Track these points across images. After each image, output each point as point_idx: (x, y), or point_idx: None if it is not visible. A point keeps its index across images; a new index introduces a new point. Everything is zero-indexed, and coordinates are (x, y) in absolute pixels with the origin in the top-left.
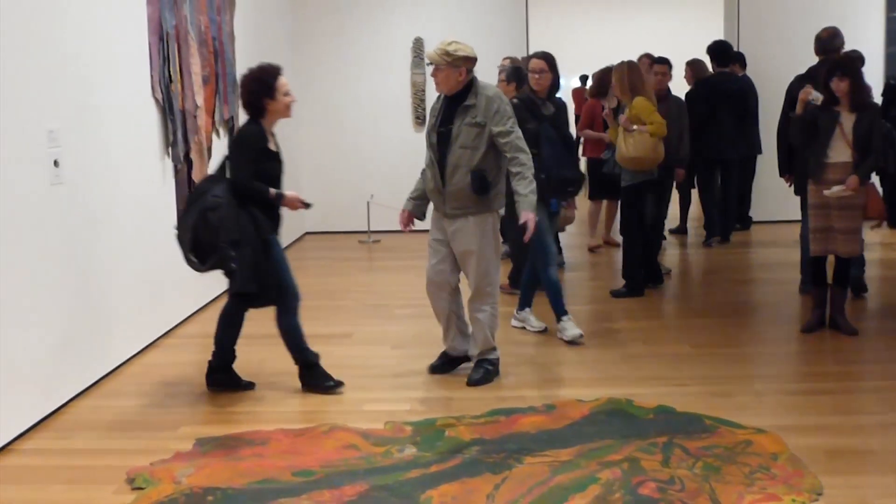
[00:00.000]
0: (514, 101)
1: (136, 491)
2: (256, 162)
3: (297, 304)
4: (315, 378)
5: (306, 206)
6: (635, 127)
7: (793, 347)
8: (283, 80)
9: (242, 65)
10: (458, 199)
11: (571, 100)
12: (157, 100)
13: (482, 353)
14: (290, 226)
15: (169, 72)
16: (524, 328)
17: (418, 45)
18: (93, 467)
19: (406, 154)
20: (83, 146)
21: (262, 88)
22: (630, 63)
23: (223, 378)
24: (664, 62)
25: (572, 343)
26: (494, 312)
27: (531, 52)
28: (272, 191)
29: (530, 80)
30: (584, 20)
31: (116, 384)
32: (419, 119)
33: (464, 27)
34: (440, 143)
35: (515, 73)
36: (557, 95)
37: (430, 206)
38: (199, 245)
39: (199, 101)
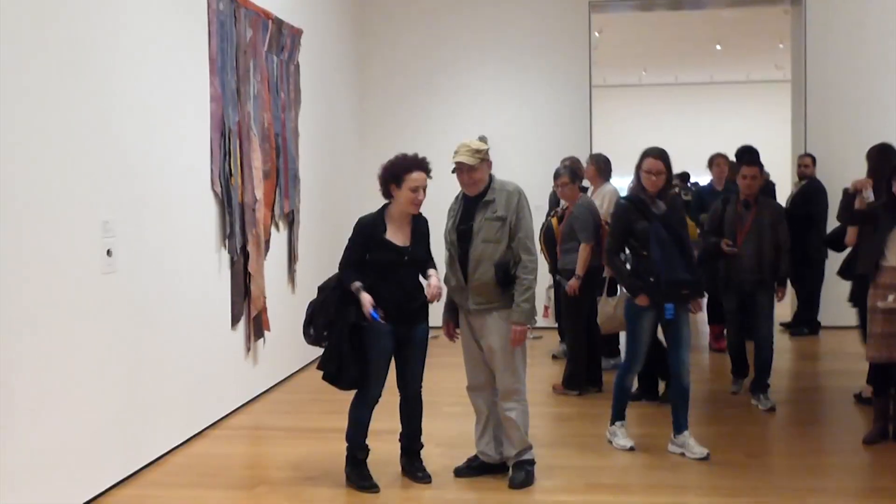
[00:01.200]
0: (622, 201)
1: None
2: (364, 249)
3: (369, 396)
4: (355, 474)
5: (372, 318)
6: None
7: (853, 459)
8: (416, 175)
9: (306, 160)
10: (481, 294)
11: None
12: (216, 193)
13: (519, 454)
14: None
15: (230, 166)
16: (683, 454)
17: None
18: None
19: None
20: (138, 237)
21: (390, 176)
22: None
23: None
24: (754, 163)
25: (617, 447)
26: (525, 409)
27: (646, 149)
28: (355, 284)
29: (644, 179)
30: (645, 120)
31: (158, 474)
32: None
33: (527, 125)
34: (461, 240)
35: (572, 172)
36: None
37: None
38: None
39: (259, 194)
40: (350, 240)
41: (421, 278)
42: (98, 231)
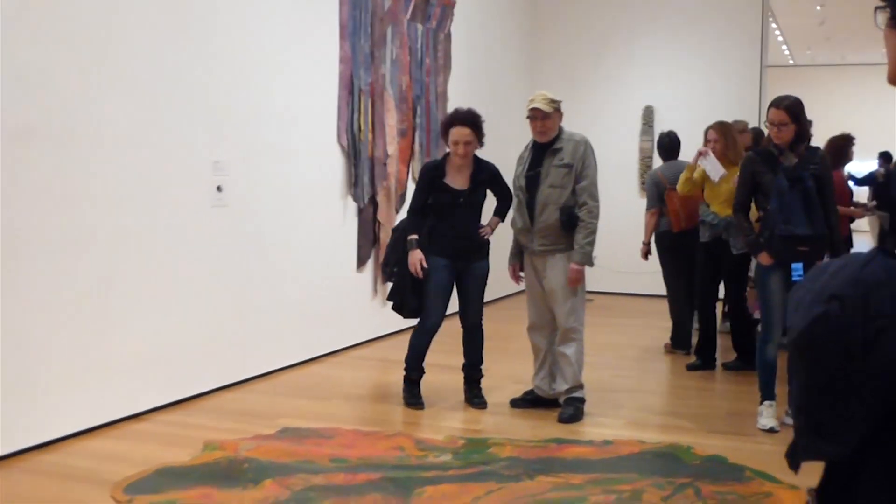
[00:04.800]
0: (749, 153)
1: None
2: (427, 192)
3: (427, 325)
4: (406, 392)
5: (417, 273)
6: None
7: None
8: (456, 130)
9: None
10: (546, 236)
11: None
12: (342, 146)
13: (570, 391)
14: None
15: (359, 122)
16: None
17: (648, 112)
18: (190, 437)
19: (631, 217)
20: (254, 178)
21: (442, 130)
22: (729, 123)
23: (403, 391)
24: None
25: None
26: (580, 348)
27: (773, 100)
28: (411, 237)
29: (769, 131)
30: (827, 93)
31: (265, 385)
32: (643, 184)
33: (694, 94)
34: (529, 185)
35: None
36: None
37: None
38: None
39: (391, 150)
40: (416, 184)
41: None
42: (209, 169)
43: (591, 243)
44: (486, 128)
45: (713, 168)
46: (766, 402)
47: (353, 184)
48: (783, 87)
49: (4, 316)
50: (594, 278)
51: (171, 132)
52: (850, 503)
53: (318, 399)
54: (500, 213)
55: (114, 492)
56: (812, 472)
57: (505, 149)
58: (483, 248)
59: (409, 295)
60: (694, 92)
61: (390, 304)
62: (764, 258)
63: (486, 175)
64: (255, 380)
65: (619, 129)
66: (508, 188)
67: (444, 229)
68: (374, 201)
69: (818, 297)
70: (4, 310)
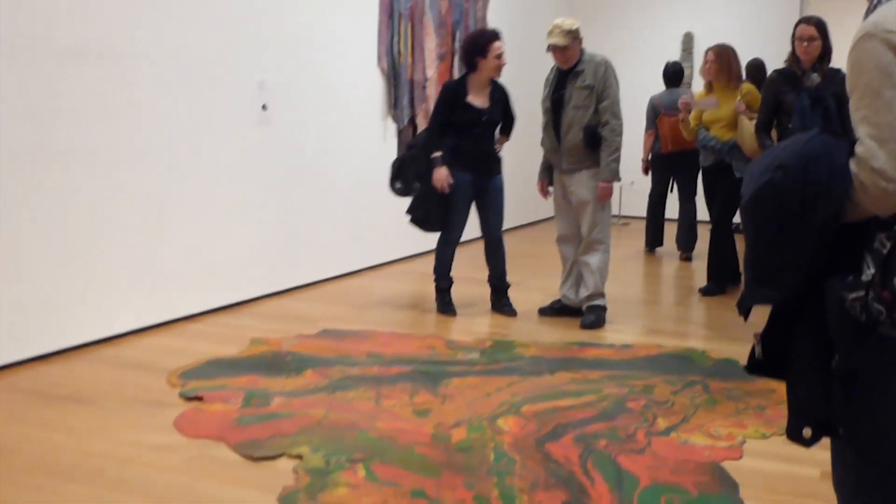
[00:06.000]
0: (772, 73)
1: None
2: (449, 111)
3: (451, 237)
4: (439, 300)
5: (442, 190)
6: (753, 115)
7: None
8: (498, 44)
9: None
10: (573, 155)
11: None
12: (381, 69)
13: (591, 298)
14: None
15: (399, 46)
16: None
17: (688, 39)
18: (239, 336)
19: None
20: (297, 98)
21: (475, 48)
22: (732, 47)
23: (436, 299)
24: None
25: None
26: (605, 259)
27: (801, 17)
28: (436, 154)
29: (797, 47)
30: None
31: (308, 294)
32: None
33: (735, 23)
34: (554, 107)
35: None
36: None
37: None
38: (402, 174)
39: (430, 73)
40: (436, 102)
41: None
42: (254, 88)
43: (617, 160)
44: (524, 56)
45: (707, 104)
46: None
47: (394, 105)
48: (824, 13)
49: (69, 223)
50: (628, 203)
51: (218, 53)
52: (784, 345)
53: (356, 306)
54: (507, 131)
55: (169, 378)
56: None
57: (542, 77)
58: (499, 163)
59: (434, 209)
60: (733, 19)
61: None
62: None
63: (500, 94)
64: (298, 289)
65: (660, 56)
66: (513, 110)
67: (468, 146)
68: (413, 123)
69: (766, 167)
70: (70, 217)
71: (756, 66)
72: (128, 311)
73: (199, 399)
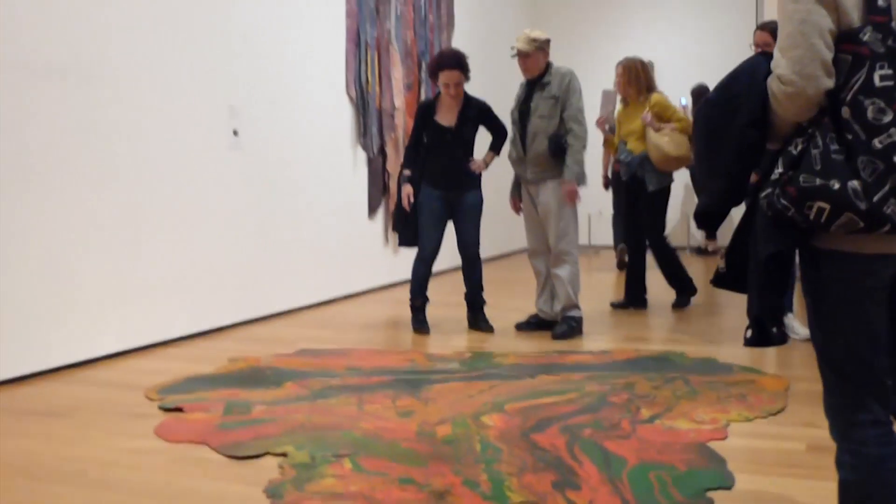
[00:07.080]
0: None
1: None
2: (420, 130)
3: (422, 253)
4: (412, 318)
5: (405, 205)
6: (664, 125)
7: None
8: (447, 74)
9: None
10: (538, 164)
11: None
12: (350, 97)
13: (565, 310)
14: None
15: (367, 75)
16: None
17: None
18: (215, 357)
19: None
20: (266, 124)
21: (430, 71)
22: (641, 59)
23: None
24: None
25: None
26: (575, 271)
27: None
28: (405, 172)
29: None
30: None
31: (284, 320)
32: None
33: (692, 54)
34: (521, 118)
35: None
36: None
37: None
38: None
39: (398, 103)
40: (413, 122)
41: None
42: (225, 113)
43: (580, 162)
44: (489, 87)
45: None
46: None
47: (363, 133)
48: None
49: (43, 244)
50: (601, 231)
51: (190, 75)
52: (744, 256)
53: (333, 329)
54: (495, 148)
55: (148, 393)
56: (790, 366)
57: (508, 103)
58: (474, 179)
59: (403, 226)
60: (690, 49)
61: (402, 251)
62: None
63: (474, 112)
64: (274, 317)
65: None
66: (501, 123)
67: (435, 163)
68: (383, 152)
69: (712, 92)
70: (41, 238)
71: (700, 93)
72: (104, 335)
73: (180, 410)
